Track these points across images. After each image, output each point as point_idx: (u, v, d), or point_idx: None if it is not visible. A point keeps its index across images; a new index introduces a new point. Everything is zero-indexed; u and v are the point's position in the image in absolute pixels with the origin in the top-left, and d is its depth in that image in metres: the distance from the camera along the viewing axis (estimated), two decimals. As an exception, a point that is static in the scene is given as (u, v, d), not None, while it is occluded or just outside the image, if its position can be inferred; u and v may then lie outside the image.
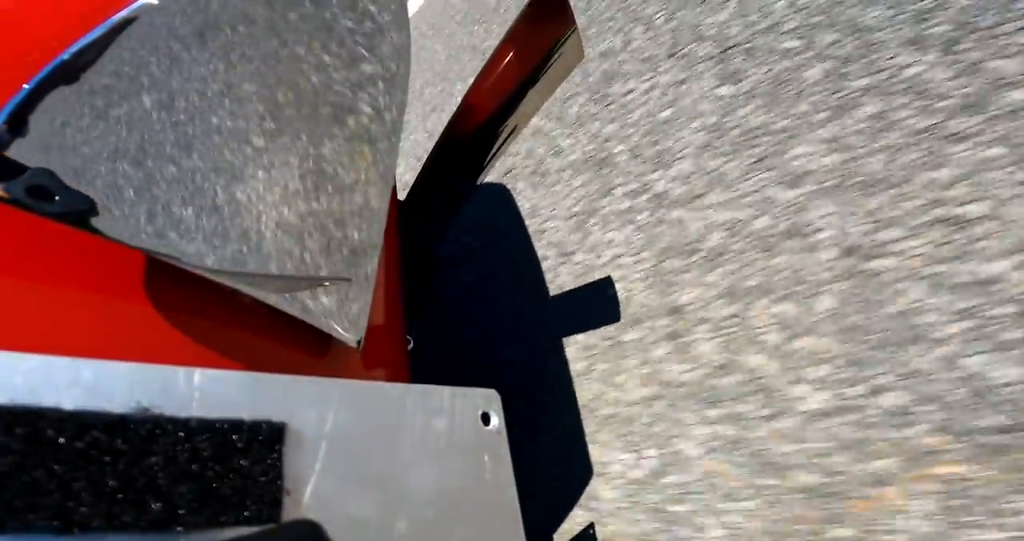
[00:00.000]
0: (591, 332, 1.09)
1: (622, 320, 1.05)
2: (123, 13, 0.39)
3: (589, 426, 1.03)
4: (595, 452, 1.00)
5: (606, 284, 1.10)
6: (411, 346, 0.75)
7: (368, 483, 0.38)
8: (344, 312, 0.47)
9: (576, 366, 1.09)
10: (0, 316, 0.38)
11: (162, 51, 0.41)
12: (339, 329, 0.47)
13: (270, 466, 0.34)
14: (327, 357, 0.53)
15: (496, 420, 0.47)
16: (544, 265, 1.26)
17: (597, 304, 1.10)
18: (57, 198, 0.37)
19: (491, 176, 1.51)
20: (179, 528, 0.30)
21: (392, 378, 0.61)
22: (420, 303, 1.15)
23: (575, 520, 0.97)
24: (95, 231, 0.39)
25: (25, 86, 0.36)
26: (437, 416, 0.44)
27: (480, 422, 0.46)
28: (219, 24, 0.43)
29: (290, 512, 0.34)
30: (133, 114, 0.40)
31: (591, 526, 0.95)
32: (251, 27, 0.44)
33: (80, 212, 0.38)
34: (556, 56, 0.72)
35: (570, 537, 0.96)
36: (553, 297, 1.21)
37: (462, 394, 0.46)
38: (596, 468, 0.98)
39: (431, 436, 0.43)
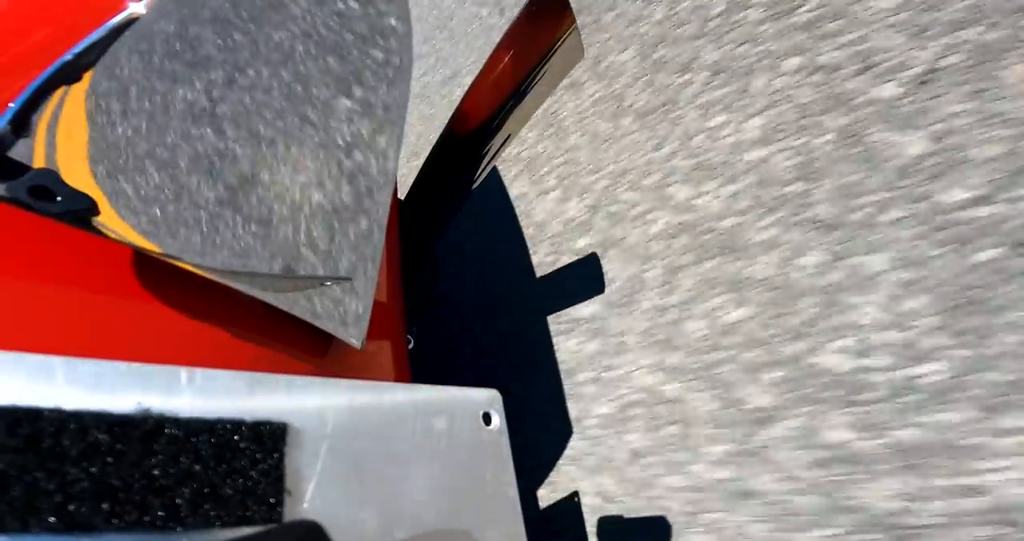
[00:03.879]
0: (587, 326, 1.09)
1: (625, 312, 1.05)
2: (124, 14, 0.39)
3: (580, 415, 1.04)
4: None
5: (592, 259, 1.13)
6: (411, 345, 0.75)
7: (369, 483, 0.38)
8: (346, 312, 0.47)
9: (571, 364, 1.09)
10: (0, 316, 0.38)
11: (162, 50, 0.41)
12: (341, 329, 0.47)
13: (271, 466, 0.34)
14: (328, 357, 0.53)
15: (497, 420, 0.47)
16: (544, 263, 1.25)
17: (585, 280, 1.13)
18: (58, 198, 0.37)
19: (491, 174, 1.51)
20: (180, 528, 0.30)
21: (393, 378, 0.61)
22: (420, 302, 1.15)
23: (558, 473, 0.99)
24: (96, 231, 0.39)
25: (28, 87, 0.36)
26: (438, 416, 0.44)
27: (481, 422, 0.46)
28: (219, 20, 0.43)
29: (291, 512, 0.34)
30: (133, 114, 0.40)
31: (575, 494, 0.96)
32: (251, 22, 0.44)
33: (81, 212, 0.38)
34: (556, 54, 0.72)
35: (555, 500, 0.98)
36: (555, 296, 1.21)
37: (463, 394, 0.46)
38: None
39: (432, 436, 0.43)
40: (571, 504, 0.97)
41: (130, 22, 0.40)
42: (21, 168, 0.36)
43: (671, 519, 0.86)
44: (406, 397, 0.43)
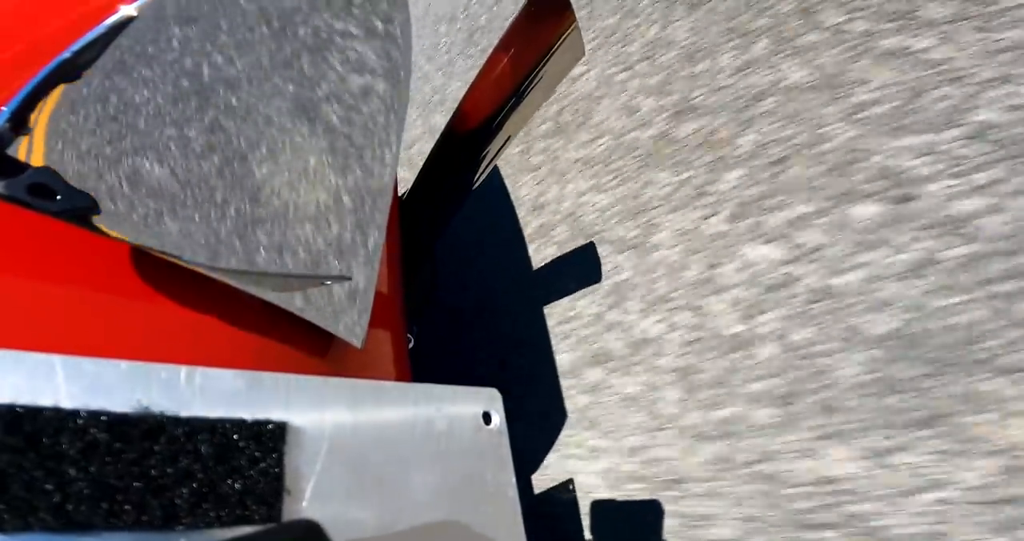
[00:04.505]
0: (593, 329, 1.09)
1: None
2: (122, 11, 0.39)
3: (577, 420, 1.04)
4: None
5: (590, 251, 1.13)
6: (411, 345, 0.75)
7: (368, 483, 0.38)
8: (347, 311, 0.47)
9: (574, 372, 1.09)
10: (0, 315, 0.38)
11: (161, 49, 0.41)
12: (342, 328, 0.47)
13: (271, 465, 0.33)
14: (328, 356, 0.53)
15: (497, 419, 0.47)
16: (544, 261, 1.25)
17: (583, 271, 1.13)
18: (58, 196, 0.37)
19: (492, 174, 1.51)
20: (179, 527, 0.30)
21: (393, 377, 0.61)
22: (420, 302, 1.15)
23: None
24: (96, 229, 0.39)
25: (27, 85, 0.36)
26: (438, 415, 0.43)
27: (481, 421, 0.46)
28: (217, 21, 0.43)
29: (290, 511, 0.33)
30: (133, 112, 0.40)
31: (570, 481, 0.97)
32: (248, 23, 0.44)
33: (81, 210, 0.38)
34: (556, 54, 0.72)
35: (548, 487, 0.98)
36: (554, 289, 1.21)
37: (463, 393, 0.46)
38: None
39: (432, 435, 0.42)
40: (567, 494, 0.97)
41: (130, 19, 0.40)
42: (20, 166, 0.36)
43: (665, 507, 0.87)
44: (406, 396, 0.42)
